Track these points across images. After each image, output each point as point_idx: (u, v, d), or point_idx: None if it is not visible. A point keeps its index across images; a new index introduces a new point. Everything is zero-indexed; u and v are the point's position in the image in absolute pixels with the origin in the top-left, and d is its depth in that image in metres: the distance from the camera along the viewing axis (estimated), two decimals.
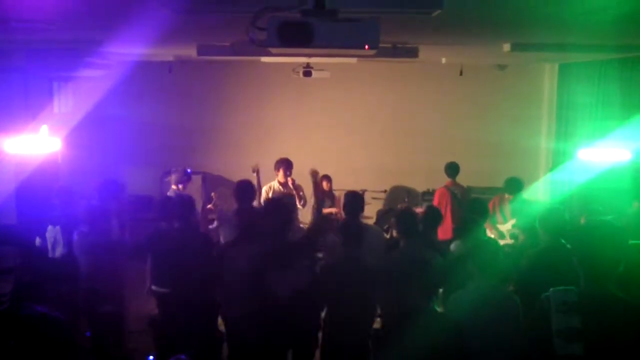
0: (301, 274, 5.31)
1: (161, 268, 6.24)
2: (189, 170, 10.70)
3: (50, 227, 6.70)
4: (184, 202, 6.32)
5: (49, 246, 6.68)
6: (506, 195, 8.63)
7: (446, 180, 9.65)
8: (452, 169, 9.68)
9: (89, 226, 6.27)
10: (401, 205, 9.71)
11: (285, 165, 8.66)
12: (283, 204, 6.03)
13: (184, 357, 3.52)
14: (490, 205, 8.51)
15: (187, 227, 6.16)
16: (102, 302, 6.05)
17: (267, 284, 5.25)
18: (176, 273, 5.85)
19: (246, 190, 6.66)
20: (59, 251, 6.52)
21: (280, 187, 8.63)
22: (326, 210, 9.46)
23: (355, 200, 6.58)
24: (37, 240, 6.61)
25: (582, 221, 6.61)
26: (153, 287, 6.44)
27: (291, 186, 8.59)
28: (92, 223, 6.28)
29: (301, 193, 8.71)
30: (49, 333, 3.34)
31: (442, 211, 9.43)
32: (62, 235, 6.41)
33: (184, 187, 8.51)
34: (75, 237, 6.25)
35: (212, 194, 8.55)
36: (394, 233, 9.78)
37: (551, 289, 3.57)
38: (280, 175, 8.66)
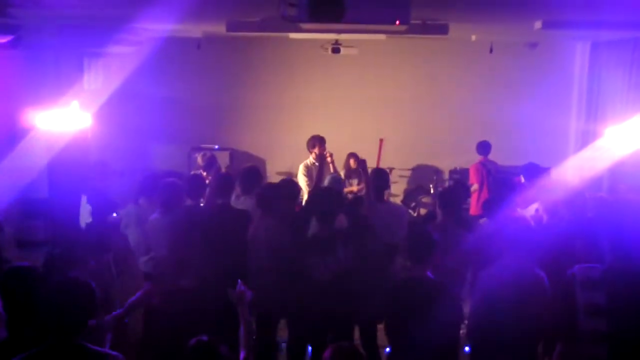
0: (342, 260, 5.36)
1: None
2: (216, 147, 10.84)
3: (84, 197, 6.78)
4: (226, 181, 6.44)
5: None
6: (522, 178, 8.54)
7: (476, 157, 9.62)
8: (484, 147, 9.66)
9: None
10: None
11: (319, 141, 8.83)
12: (333, 191, 6.10)
13: (205, 339, 3.57)
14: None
15: (227, 203, 6.24)
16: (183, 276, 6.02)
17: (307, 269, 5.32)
18: (213, 250, 5.89)
19: (254, 176, 6.79)
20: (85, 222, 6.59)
21: (316, 162, 8.74)
22: (348, 189, 9.54)
23: (380, 177, 6.62)
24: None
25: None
26: None
27: (329, 159, 8.76)
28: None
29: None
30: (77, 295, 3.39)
31: (478, 187, 9.45)
32: (90, 207, 6.44)
33: (209, 174, 8.61)
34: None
35: None
36: (422, 211, 9.83)
37: (576, 266, 3.59)
38: (316, 151, 8.85)
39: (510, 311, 4.46)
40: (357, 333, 5.97)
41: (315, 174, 8.20)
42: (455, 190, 6.38)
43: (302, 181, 8.82)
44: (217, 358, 3.49)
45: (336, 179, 7.60)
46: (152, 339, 5.40)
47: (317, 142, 8.91)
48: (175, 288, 5.43)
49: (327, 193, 6.00)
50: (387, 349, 5.46)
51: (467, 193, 6.74)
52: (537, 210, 6.56)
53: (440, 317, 4.27)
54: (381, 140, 9.63)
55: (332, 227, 5.50)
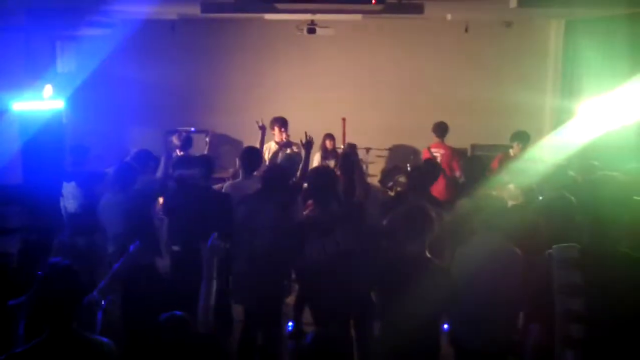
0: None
1: (177, 226, 6.28)
2: (193, 130, 10.76)
3: (65, 184, 6.75)
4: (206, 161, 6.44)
5: (64, 202, 6.74)
6: (511, 152, 8.63)
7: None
8: (437, 129, 9.40)
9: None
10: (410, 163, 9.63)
11: (280, 122, 8.65)
12: (328, 171, 6.03)
13: (179, 314, 3.59)
14: (496, 163, 8.52)
15: (206, 184, 6.24)
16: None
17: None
18: (192, 230, 5.88)
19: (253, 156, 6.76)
20: (73, 205, 6.57)
21: (277, 147, 8.59)
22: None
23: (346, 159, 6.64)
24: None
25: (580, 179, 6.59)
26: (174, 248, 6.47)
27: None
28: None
29: (295, 149, 8.69)
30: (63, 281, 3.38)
31: None
32: (80, 190, 6.47)
33: (185, 152, 8.50)
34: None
35: None
36: (399, 189, 9.83)
37: (554, 246, 3.60)
38: (277, 133, 8.64)
39: (487, 288, 4.51)
40: None
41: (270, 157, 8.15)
42: (426, 170, 6.39)
43: None
44: (189, 333, 3.53)
45: (289, 157, 7.47)
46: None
47: (275, 124, 8.66)
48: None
49: (328, 174, 5.84)
50: None
51: (438, 173, 6.77)
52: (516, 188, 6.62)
53: (430, 294, 4.31)
54: (343, 120, 9.61)
55: (331, 210, 5.45)
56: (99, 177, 6.64)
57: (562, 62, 11.17)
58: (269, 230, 5.63)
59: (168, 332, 3.52)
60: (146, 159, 7.30)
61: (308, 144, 6.66)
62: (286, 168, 6.63)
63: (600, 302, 3.40)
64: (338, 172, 6.39)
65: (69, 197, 6.73)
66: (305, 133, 6.76)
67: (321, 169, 6.39)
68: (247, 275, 5.77)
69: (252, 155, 6.86)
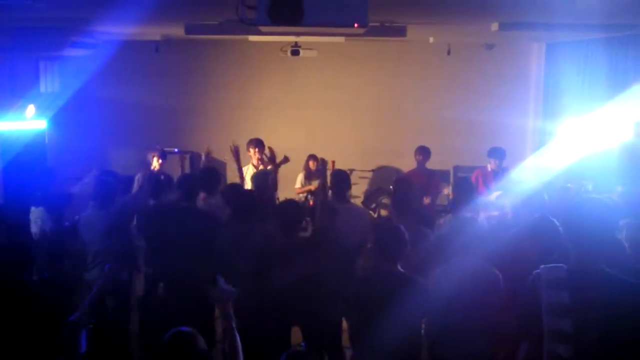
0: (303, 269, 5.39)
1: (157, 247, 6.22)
2: (176, 150, 10.75)
3: (33, 208, 6.69)
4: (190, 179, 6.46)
5: (34, 227, 6.65)
6: (488, 167, 8.71)
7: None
8: (418, 154, 9.26)
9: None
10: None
11: (255, 144, 8.59)
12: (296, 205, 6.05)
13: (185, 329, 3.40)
14: (473, 179, 8.61)
15: (191, 203, 6.22)
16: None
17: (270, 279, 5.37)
18: (175, 252, 5.84)
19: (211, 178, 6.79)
20: (43, 230, 6.51)
21: (255, 169, 8.55)
22: (301, 190, 9.57)
23: (340, 178, 6.66)
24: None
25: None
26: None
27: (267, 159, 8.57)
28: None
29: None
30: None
31: None
32: (48, 214, 6.42)
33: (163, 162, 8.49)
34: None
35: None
36: (382, 212, 9.86)
37: (541, 266, 3.62)
38: (252, 155, 8.56)
39: (465, 308, 4.53)
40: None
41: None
42: (402, 189, 6.47)
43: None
44: (195, 352, 3.31)
45: (258, 176, 7.47)
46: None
47: (250, 146, 8.60)
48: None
49: (291, 205, 5.97)
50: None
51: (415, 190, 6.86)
52: (498, 198, 6.69)
53: (409, 309, 4.32)
54: (333, 162, 9.25)
55: (295, 238, 5.57)
56: (65, 199, 6.59)
57: (544, 83, 11.29)
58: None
59: (174, 348, 3.28)
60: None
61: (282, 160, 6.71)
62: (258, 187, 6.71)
63: (587, 322, 3.42)
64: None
65: (38, 222, 6.67)
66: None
67: (287, 203, 6.32)
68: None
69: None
